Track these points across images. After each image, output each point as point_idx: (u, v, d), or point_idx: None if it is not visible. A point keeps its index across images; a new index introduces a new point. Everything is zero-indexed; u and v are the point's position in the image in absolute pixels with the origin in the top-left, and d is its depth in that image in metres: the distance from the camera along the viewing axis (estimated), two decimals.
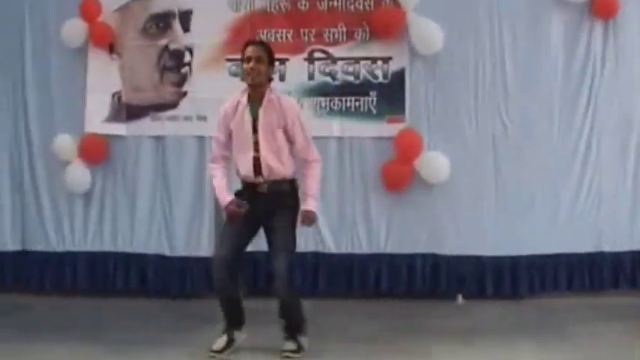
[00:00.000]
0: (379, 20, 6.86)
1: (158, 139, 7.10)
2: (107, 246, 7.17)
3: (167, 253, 7.07)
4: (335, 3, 6.97)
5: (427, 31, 6.79)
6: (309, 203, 5.17)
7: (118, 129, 7.11)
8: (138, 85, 7.11)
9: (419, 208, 6.94)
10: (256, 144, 5.05)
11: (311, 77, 6.98)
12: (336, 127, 6.93)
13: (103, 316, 6.58)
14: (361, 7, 6.96)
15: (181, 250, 7.05)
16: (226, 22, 6.99)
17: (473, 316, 6.44)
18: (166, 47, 7.07)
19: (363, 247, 6.99)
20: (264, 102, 5.02)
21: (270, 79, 5.21)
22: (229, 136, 5.16)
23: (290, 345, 5.14)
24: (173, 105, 7.06)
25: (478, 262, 6.94)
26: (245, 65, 5.05)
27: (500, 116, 6.94)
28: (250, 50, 5.05)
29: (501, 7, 6.95)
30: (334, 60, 6.96)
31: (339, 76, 6.96)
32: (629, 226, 6.99)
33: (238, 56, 6.82)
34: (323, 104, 6.95)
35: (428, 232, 6.97)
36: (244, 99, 5.09)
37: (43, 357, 5.31)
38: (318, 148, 6.50)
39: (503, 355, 5.23)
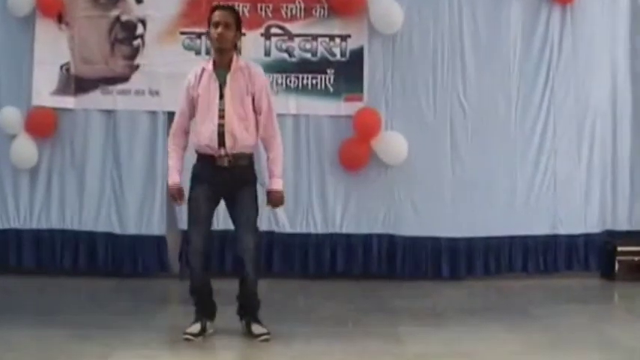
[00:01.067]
0: None
1: (108, 113, 6.95)
2: (54, 223, 6.98)
3: (117, 231, 6.93)
4: None
5: (387, 10, 6.80)
6: (276, 182, 5.06)
7: (67, 102, 6.92)
8: (88, 57, 6.92)
9: (376, 188, 6.98)
10: (222, 111, 4.89)
11: (267, 53, 6.92)
12: (293, 104, 6.89)
13: (54, 297, 6.37)
14: None
15: (132, 228, 6.92)
16: None
17: (434, 298, 6.49)
18: (118, 18, 6.90)
19: (319, 227, 6.99)
20: (233, 67, 4.91)
21: (236, 45, 5.11)
22: (192, 107, 5.01)
23: (260, 328, 5.04)
24: (124, 78, 6.91)
25: (435, 243, 7.00)
26: (212, 30, 4.90)
27: (459, 98, 7.03)
28: (218, 15, 4.92)
29: None
30: (291, 36, 6.93)
31: (297, 52, 6.93)
32: (582, 209, 7.17)
33: (193, 29, 6.97)
34: (279, 81, 6.90)
35: (384, 213, 7.00)
36: (210, 66, 4.97)
37: (2, 344, 4.93)
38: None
39: (473, 337, 5.21)
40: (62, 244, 6.99)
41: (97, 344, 4.85)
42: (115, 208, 6.97)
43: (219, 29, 4.87)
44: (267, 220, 6.90)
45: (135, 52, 6.90)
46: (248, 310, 5.12)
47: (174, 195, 5.12)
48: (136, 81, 6.90)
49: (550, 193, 7.10)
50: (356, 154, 6.83)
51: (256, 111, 4.97)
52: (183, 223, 6.83)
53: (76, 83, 6.91)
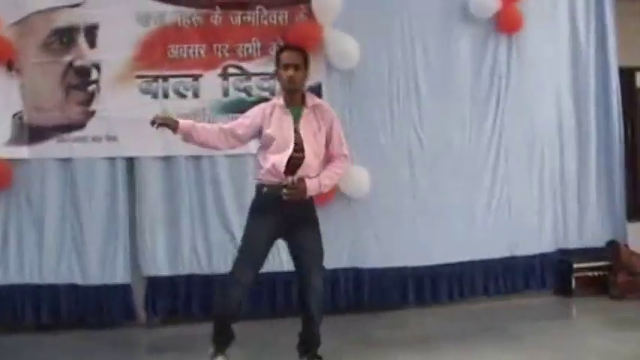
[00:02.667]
0: (294, 35, 6.95)
1: (65, 161, 6.85)
2: (13, 278, 6.79)
3: (80, 282, 6.84)
4: (249, 17, 7.04)
5: (344, 46, 7.02)
6: (311, 180, 5.11)
7: (20, 152, 6.76)
8: (41, 104, 6.79)
9: (340, 222, 7.11)
10: (297, 145, 5.03)
11: (226, 94, 7.01)
12: (252, 144, 6.96)
13: (24, 355, 6.25)
14: (275, 21, 7.08)
15: (95, 279, 6.84)
16: (135, 37, 6.86)
17: (412, 326, 6.76)
18: (71, 64, 6.81)
19: (285, 266, 6.90)
20: (307, 104, 5.11)
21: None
22: (250, 131, 5.15)
23: None
24: (80, 125, 6.82)
25: (399, 272, 7.26)
26: (282, 72, 5.09)
27: (415, 128, 7.35)
28: (288, 57, 5.13)
29: (413, 22, 7.35)
30: (249, 75, 7.03)
31: (255, 92, 7.03)
32: (537, 230, 7.64)
33: (149, 72, 7.02)
34: None
35: (349, 247, 7.21)
36: (281, 101, 5.13)
37: None
38: (236, 166, 6.84)
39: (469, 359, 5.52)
40: (22, 299, 6.77)
41: None
42: (77, 259, 6.86)
43: (290, 71, 5.10)
44: (224, 261, 6.88)
45: (90, 97, 6.83)
46: (309, 347, 5.25)
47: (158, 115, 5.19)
48: (92, 127, 6.82)
49: (506, 217, 7.53)
50: None
51: (327, 145, 5.15)
52: (147, 270, 7.03)
53: (29, 132, 6.77)
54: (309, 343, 5.28)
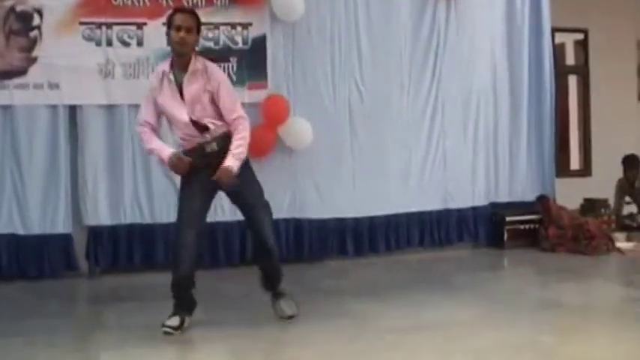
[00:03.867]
0: None
1: (5, 108, 6.81)
2: None
3: (20, 231, 6.82)
4: None
5: None
6: (229, 159, 5.03)
7: None
8: None
9: (281, 174, 7.31)
10: (192, 110, 5.03)
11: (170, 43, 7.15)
12: None
13: None
14: None
15: (36, 228, 6.84)
16: None
17: (355, 276, 7.02)
18: (12, 9, 6.75)
19: (227, 214, 7.14)
20: (190, 70, 5.03)
21: (194, 48, 5.19)
22: (157, 108, 5.11)
23: (289, 308, 5.23)
24: (22, 72, 6.78)
25: (339, 224, 7.53)
26: (174, 34, 4.99)
27: (356, 83, 7.62)
28: (180, 19, 5.02)
29: None
30: None
31: (199, 42, 7.20)
32: (470, 184, 8.04)
33: (93, 19, 7.03)
34: None
35: (290, 197, 7.44)
36: (167, 66, 5.10)
37: None
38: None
39: (425, 309, 5.56)
40: None
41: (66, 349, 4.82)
42: (17, 209, 6.85)
43: (182, 33, 4.98)
44: (167, 210, 7.03)
45: (32, 43, 6.79)
46: (274, 282, 5.30)
47: (177, 164, 5.02)
48: (34, 74, 6.80)
49: (441, 170, 7.91)
50: (263, 141, 7.10)
51: (216, 103, 5.09)
52: (89, 219, 7.09)
53: None
54: (272, 278, 5.34)
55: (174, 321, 5.00)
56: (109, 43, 6.94)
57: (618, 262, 7.44)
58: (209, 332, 5.02)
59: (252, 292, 5.67)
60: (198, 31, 5.13)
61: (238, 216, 7.00)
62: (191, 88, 5.00)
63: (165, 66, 5.12)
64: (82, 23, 6.88)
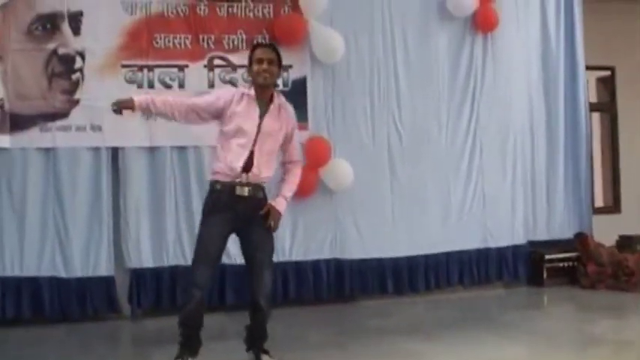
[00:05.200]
0: (280, 27, 7.27)
1: (48, 151, 6.88)
2: None
3: (63, 274, 6.86)
4: (234, 9, 7.27)
5: (329, 41, 7.33)
6: (280, 202, 5.18)
7: (2, 141, 6.75)
8: (23, 92, 6.81)
9: (322, 214, 7.43)
10: (257, 135, 5.09)
11: (211, 85, 7.18)
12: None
13: (6, 351, 6.12)
14: (261, 14, 7.33)
15: (78, 271, 6.88)
16: (121, 26, 6.98)
17: (399, 315, 7.06)
18: (55, 51, 6.86)
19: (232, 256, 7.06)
20: (275, 102, 5.15)
21: (276, 83, 5.37)
22: (210, 113, 5.14)
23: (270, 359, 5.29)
24: (64, 114, 6.88)
25: (379, 263, 7.60)
26: (256, 67, 5.08)
27: (395, 123, 7.75)
28: (261, 52, 5.14)
29: (394, 18, 7.78)
30: (234, 67, 7.22)
31: (240, 83, 7.16)
32: (509, 222, 8.13)
33: (134, 62, 7.17)
34: None
35: (331, 238, 7.49)
36: (252, 92, 5.15)
37: None
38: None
39: (480, 347, 5.65)
40: (3, 293, 6.74)
41: None
42: (60, 251, 6.89)
43: (264, 65, 5.09)
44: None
45: (74, 86, 6.89)
46: (257, 341, 5.32)
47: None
48: (76, 116, 6.89)
49: (480, 208, 8.01)
50: (305, 182, 7.06)
51: (284, 146, 5.24)
52: (131, 262, 7.13)
53: (11, 120, 6.77)
54: (257, 337, 5.35)
55: None
56: (151, 85, 7.05)
57: None
58: None
59: (303, 333, 5.87)
60: (280, 64, 5.23)
61: (281, 256, 7.21)
62: (271, 121, 5.11)
63: (247, 90, 5.21)
64: (123, 66, 7.00)
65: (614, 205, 9.94)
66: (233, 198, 5.12)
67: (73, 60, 6.92)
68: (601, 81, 10.36)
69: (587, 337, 6.02)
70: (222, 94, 5.25)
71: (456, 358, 5.33)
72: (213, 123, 5.21)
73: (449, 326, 6.45)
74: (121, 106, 5.13)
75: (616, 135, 9.96)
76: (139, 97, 5.16)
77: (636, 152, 9.75)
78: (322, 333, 6.33)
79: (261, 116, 5.09)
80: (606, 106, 10.09)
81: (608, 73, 10.05)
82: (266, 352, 5.30)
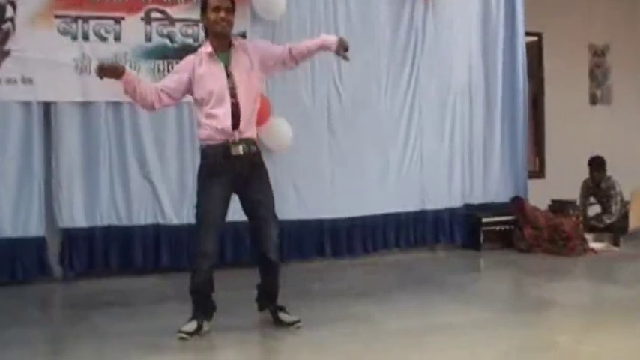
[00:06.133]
0: None
1: None
2: None
3: None
4: None
5: None
6: (327, 38, 5.11)
7: None
8: None
9: None
10: (232, 89, 5.00)
11: (148, 39, 7.05)
12: None
13: None
14: None
15: (7, 231, 6.67)
16: None
17: (344, 278, 7.10)
18: None
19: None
20: (235, 47, 5.05)
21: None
22: (180, 87, 5.04)
23: (290, 317, 5.22)
24: None
25: (317, 225, 7.64)
26: (213, 15, 4.98)
27: (335, 83, 7.75)
28: (217, 0, 5.03)
29: None
30: (172, 21, 7.10)
31: (178, 38, 7.13)
32: (447, 185, 8.27)
33: (68, 12, 6.95)
34: (161, 67, 7.07)
35: None
36: (208, 48, 5.06)
37: None
38: (158, 114, 6.81)
39: (432, 308, 5.76)
40: None
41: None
42: None
43: (222, 14, 5.01)
44: (153, 212, 7.12)
45: (5, 36, 6.65)
46: (272, 297, 5.29)
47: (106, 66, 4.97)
48: (6, 68, 6.65)
49: (418, 171, 8.11)
50: None
51: (265, 67, 5.13)
52: (63, 222, 6.99)
53: None
54: (271, 293, 5.34)
55: (191, 326, 4.97)
56: (86, 38, 6.85)
57: (595, 261, 7.75)
58: (219, 339, 4.99)
59: (247, 295, 5.62)
60: (234, 11, 5.14)
61: None
62: (239, 66, 5.03)
63: (204, 48, 5.13)
64: (57, 16, 6.78)
65: (539, 171, 10.16)
66: (229, 159, 5.06)
67: (3, 9, 6.70)
68: (528, 46, 10.60)
69: (537, 299, 6.16)
70: (182, 66, 5.17)
71: (409, 320, 5.36)
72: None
73: (393, 289, 6.53)
74: (107, 73, 4.87)
75: (542, 101, 10.11)
76: (130, 70, 4.98)
77: (560, 118, 9.95)
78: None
79: (227, 67, 4.97)
80: (533, 71, 10.14)
81: (535, 39, 10.20)
82: (282, 309, 5.27)
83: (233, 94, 5.04)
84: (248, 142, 5.07)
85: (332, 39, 5.10)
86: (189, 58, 5.18)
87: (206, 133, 5.01)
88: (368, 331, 5.09)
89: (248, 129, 5.08)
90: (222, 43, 5.04)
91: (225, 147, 5.00)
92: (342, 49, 5.09)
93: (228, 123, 5.02)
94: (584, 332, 5.14)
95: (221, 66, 5.06)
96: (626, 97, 10.61)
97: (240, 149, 5.02)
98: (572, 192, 8.98)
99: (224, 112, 5.02)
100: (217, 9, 5.05)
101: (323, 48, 5.10)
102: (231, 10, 5.04)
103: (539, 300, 6.10)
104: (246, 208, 5.20)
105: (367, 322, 5.33)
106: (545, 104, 10.19)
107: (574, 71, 10.33)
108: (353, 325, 5.23)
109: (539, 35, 10.13)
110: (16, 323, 5.45)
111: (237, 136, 4.98)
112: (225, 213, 5.17)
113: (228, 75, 5.04)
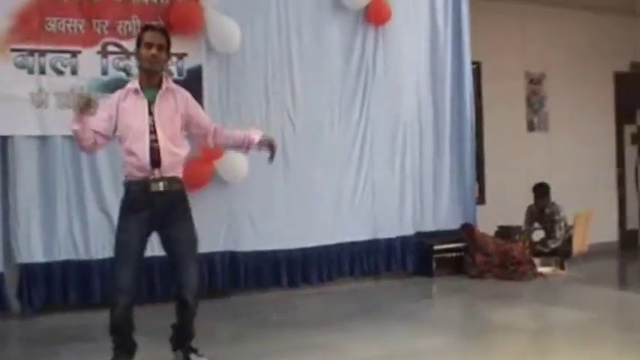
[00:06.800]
0: (175, 14, 7.24)
1: None
2: None
3: None
4: None
5: (226, 30, 7.41)
6: (254, 132, 5.15)
7: None
8: None
9: (216, 206, 7.44)
10: (152, 126, 4.97)
11: (105, 72, 7.12)
12: None
13: None
14: None
15: None
16: (10, 8, 6.75)
17: (299, 308, 7.24)
18: None
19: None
20: (163, 87, 5.03)
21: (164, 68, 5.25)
22: (108, 126, 4.95)
23: (199, 357, 5.19)
24: None
25: (272, 255, 7.75)
26: (144, 51, 4.96)
27: (289, 113, 7.93)
28: (151, 36, 5.01)
29: (289, 9, 7.92)
30: (128, 54, 7.14)
31: (134, 71, 7.07)
32: (398, 213, 8.48)
33: (25, 46, 7.02)
34: None
35: (225, 230, 7.56)
36: (135, 84, 5.06)
37: None
38: (112, 149, 6.71)
39: (390, 336, 5.91)
40: None
41: None
42: None
43: (154, 50, 4.98)
44: (110, 245, 6.88)
45: None
46: (185, 340, 5.26)
47: (83, 103, 4.74)
48: None
49: (370, 200, 8.33)
50: (200, 174, 7.21)
51: (192, 126, 5.15)
52: (21, 257, 6.96)
53: None
54: (184, 335, 5.29)
55: None
56: (42, 71, 6.89)
57: (544, 285, 8.07)
58: None
59: (211, 326, 5.85)
60: (168, 48, 5.10)
61: None
62: (163, 106, 5.00)
63: (131, 84, 5.08)
64: (13, 50, 6.79)
65: (479, 197, 10.31)
66: (149, 195, 5.01)
67: None
68: None
69: (493, 325, 6.39)
70: (108, 103, 5.08)
71: (372, 348, 5.50)
72: None
73: (352, 317, 6.66)
74: (83, 108, 4.75)
75: (480, 128, 10.32)
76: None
77: (499, 144, 10.27)
78: (229, 327, 6.36)
79: (151, 104, 4.95)
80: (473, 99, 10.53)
81: (473, 67, 10.40)
82: (194, 351, 5.23)
83: (153, 131, 4.99)
84: (170, 180, 5.03)
85: (256, 135, 5.16)
86: (115, 94, 5.14)
87: (126, 169, 5.00)
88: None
89: (170, 169, 5.03)
90: (151, 80, 5.04)
91: (145, 183, 4.98)
92: (267, 145, 5.18)
93: (146, 160, 4.97)
94: (547, 356, 5.36)
95: (144, 102, 5.03)
96: (562, 124, 11.04)
97: (160, 185, 4.98)
98: (512, 217, 9.29)
99: (142, 149, 4.98)
100: (149, 45, 5.03)
101: (246, 141, 5.19)
102: (163, 48, 5.04)
103: (495, 325, 6.35)
104: (165, 246, 5.16)
105: (332, 350, 5.47)
106: (484, 131, 10.46)
107: (511, 99, 10.75)
108: (319, 354, 5.37)
109: (477, 64, 10.44)
110: None
111: (157, 173, 4.93)
112: (142, 249, 5.10)
113: (151, 113, 4.99)
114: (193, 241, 5.20)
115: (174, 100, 5.05)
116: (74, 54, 6.99)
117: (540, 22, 10.76)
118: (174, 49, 6.94)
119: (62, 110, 7.00)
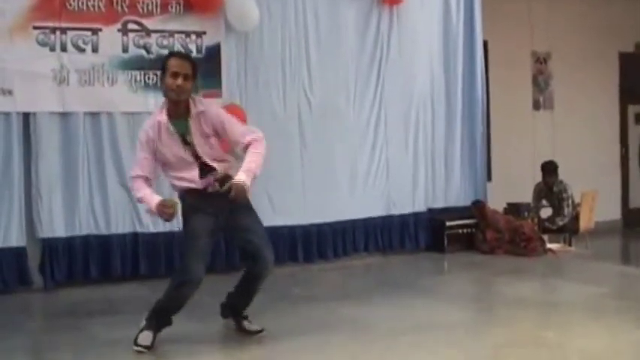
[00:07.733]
0: None
1: None
2: None
3: None
4: None
5: (244, 9, 7.47)
6: (240, 174, 4.97)
7: None
8: None
9: None
10: (194, 154, 5.01)
11: (125, 50, 7.20)
12: (152, 101, 7.09)
13: None
14: None
15: None
16: None
17: (317, 282, 7.38)
18: None
19: (180, 224, 7.37)
20: (192, 115, 5.02)
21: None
22: (155, 157, 5.06)
23: (254, 325, 5.35)
24: None
25: (289, 231, 7.89)
26: (170, 81, 4.93)
27: (305, 92, 8.02)
28: (177, 65, 4.98)
29: None
30: (148, 32, 7.25)
31: (154, 49, 7.29)
32: (411, 191, 8.61)
33: (46, 24, 7.10)
34: (138, 78, 7.23)
35: None
36: (163, 116, 5.04)
37: None
38: (134, 123, 7.03)
39: (410, 309, 5.99)
40: None
41: None
42: None
43: (179, 81, 4.94)
44: (131, 220, 7.27)
45: None
46: (242, 307, 5.38)
47: (163, 212, 4.92)
48: None
49: (384, 178, 8.46)
50: None
51: (226, 141, 5.16)
52: (43, 232, 7.09)
53: None
54: (244, 303, 5.40)
55: (147, 339, 5.01)
56: (64, 49, 6.95)
57: (554, 261, 8.22)
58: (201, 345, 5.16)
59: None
60: (195, 76, 5.08)
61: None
62: (197, 134, 5.02)
63: (160, 116, 5.07)
64: (35, 27, 6.86)
65: (487, 174, 10.51)
66: (208, 196, 5.06)
67: None
68: None
69: (509, 299, 6.43)
70: (144, 140, 5.06)
71: (399, 321, 5.60)
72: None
73: (372, 292, 6.78)
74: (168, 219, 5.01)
75: (488, 106, 10.19)
76: (152, 200, 4.95)
77: (505, 123, 10.42)
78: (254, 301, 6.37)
79: (184, 134, 5.00)
80: None
81: None
82: (245, 318, 5.38)
83: (197, 157, 5.05)
84: (224, 178, 5.04)
85: (238, 176, 4.96)
86: (147, 128, 5.09)
87: (178, 187, 5.11)
88: (362, 333, 5.29)
89: (221, 167, 5.08)
90: (178, 109, 5.04)
91: (203, 190, 5.07)
92: (233, 192, 4.92)
93: (197, 178, 5.04)
94: (567, 328, 5.45)
95: (177, 137, 5.03)
96: (567, 103, 11.20)
97: (217, 186, 5.00)
98: (517, 194, 9.44)
99: (192, 175, 5.07)
100: (175, 75, 4.98)
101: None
102: (189, 77, 5.00)
103: (510, 299, 6.42)
104: (238, 242, 5.35)
105: (357, 324, 5.55)
106: (490, 109, 10.55)
107: (518, 78, 10.90)
108: (347, 327, 5.45)
109: (484, 43, 10.59)
110: (7, 332, 5.50)
111: (211, 178, 5.01)
112: (210, 246, 5.19)
113: (187, 143, 5.03)
114: (263, 231, 5.33)
115: (205, 125, 5.02)
116: (95, 32, 7.05)
117: (547, 3, 10.83)
118: (193, 28, 7.42)
119: (83, 87, 7.12)
